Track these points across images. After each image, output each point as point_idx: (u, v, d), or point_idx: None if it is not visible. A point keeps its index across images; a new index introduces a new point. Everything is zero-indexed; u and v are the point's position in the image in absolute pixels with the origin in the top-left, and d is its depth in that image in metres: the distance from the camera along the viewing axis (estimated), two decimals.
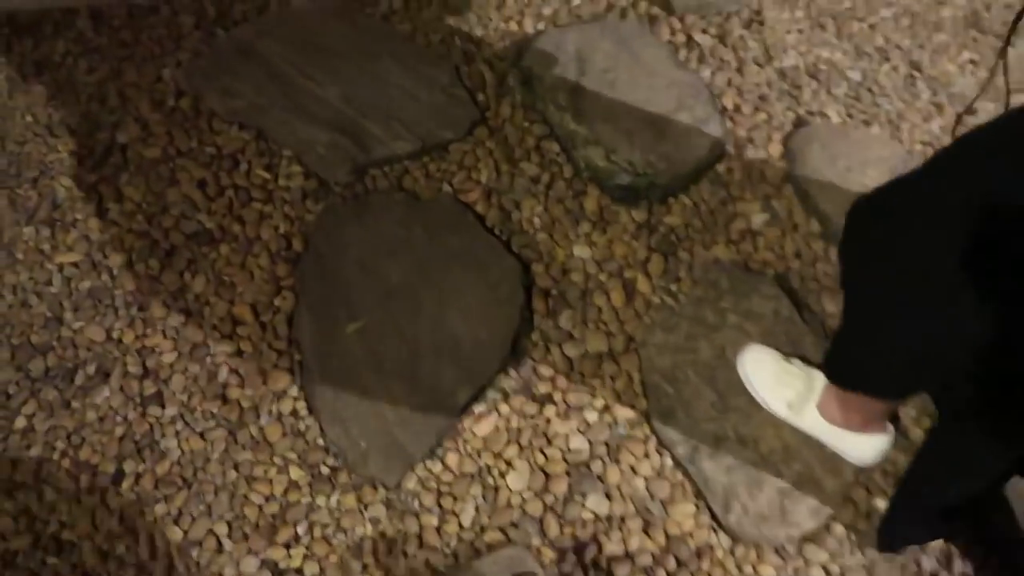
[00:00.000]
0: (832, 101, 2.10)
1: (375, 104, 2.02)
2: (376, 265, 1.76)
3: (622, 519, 1.48)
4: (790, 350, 1.63)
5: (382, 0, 2.30)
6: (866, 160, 1.92)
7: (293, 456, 1.56)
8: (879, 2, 2.31)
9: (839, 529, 1.48)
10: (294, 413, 1.60)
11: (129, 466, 1.55)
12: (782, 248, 1.83)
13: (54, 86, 2.14)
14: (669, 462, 1.56)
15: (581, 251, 1.82)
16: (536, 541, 1.46)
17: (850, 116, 2.07)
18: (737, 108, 2.05)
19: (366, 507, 1.50)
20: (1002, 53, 1.46)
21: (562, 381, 1.65)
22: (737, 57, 2.16)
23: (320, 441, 1.57)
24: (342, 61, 2.12)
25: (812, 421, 1.48)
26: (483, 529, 1.47)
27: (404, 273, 1.74)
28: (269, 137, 1.99)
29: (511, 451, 1.57)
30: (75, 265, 1.82)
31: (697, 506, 1.50)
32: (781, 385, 1.52)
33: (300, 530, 1.47)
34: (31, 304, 1.76)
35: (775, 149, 1.98)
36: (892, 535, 1.42)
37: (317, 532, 1.47)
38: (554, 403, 1.63)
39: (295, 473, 1.54)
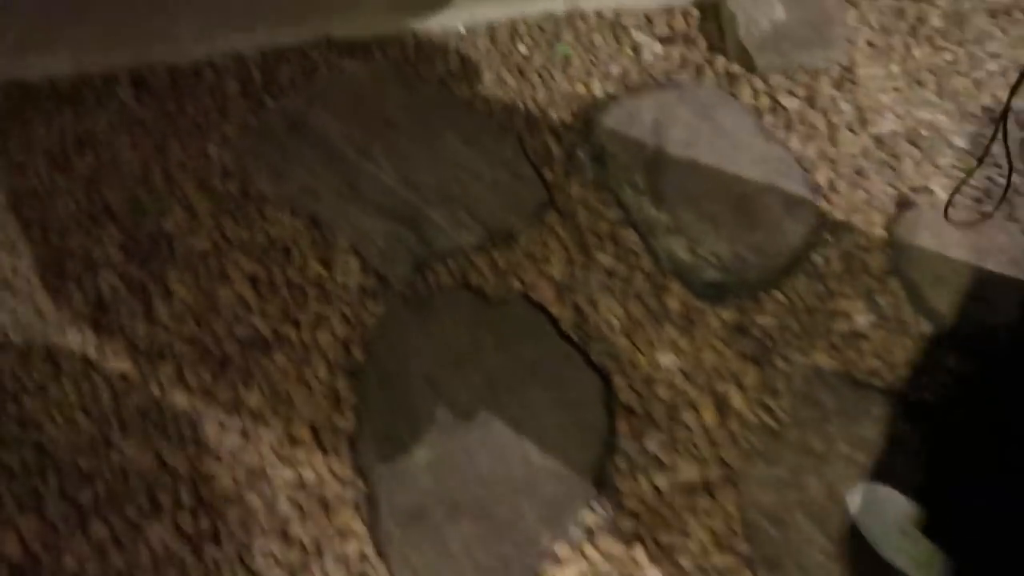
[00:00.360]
0: (937, 173, 1.89)
1: (436, 186, 1.87)
2: (443, 380, 1.61)
3: None
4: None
5: (438, 61, 2.14)
6: (983, 249, 1.72)
7: None
8: (984, 54, 2.09)
9: None
10: (362, 556, 1.48)
11: None
12: (890, 354, 1.65)
13: (97, 165, 2.03)
14: None
15: (666, 359, 1.66)
16: None
17: (958, 192, 1.86)
18: (832, 185, 1.86)
19: None
20: (1002, 116, 1.34)
21: (651, 516, 1.50)
22: (828, 122, 1.97)
23: None
24: (399, 134, 1.97)
25: None
26: None
27: (474, 390, 1.60)
28: (323, 225, 1.86)
29: None
30: (123, 376, 1.70)
31: None
32: (906, 537, 1.35)
33: None
34: (78, 422, 1.65)
35: (877, 234, 1.79)
36: None
37: None
38: (643, 543, 1.48)
39: None
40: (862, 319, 1.69)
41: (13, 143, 2.08)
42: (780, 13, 2.05)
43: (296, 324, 1.73)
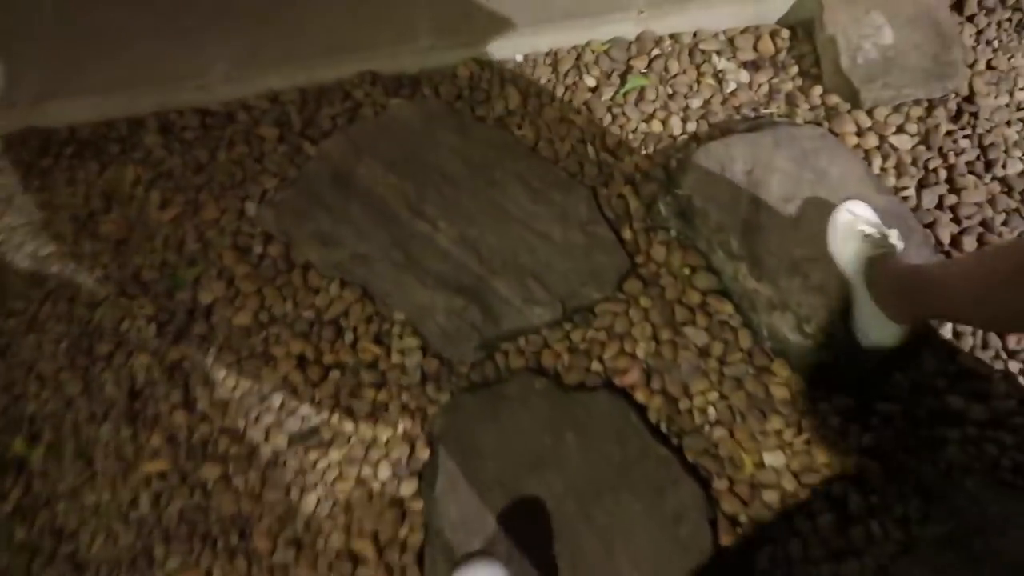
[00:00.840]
0: None
1: (500, 250, 1.66)
2: (521, 486, 1.42)
3: None
4: None
5: (495, 98, 1.91)
6: None
7: None
8: None
9: None
10: None
11: None
12: None
13: (125, 226, 1.85)
14: None
15: (773, 458, 1.45)
16: None
17: None
18: (956, 242, 1.62)
19: None
20: None
21: None
22: (946, 164, 1.72)
23: None
24: (456, 187, 1.75)
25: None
26: None
27: (557, 500, 1.41)
28: (377, 297, 1.66)
29: None
30: (163, 476, 1.54)
31: None
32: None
33: None
34: (116, 533, 1.49)
35: None
36: None
37: None
38: None
39: None
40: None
41: (34, 200, 1.91)
42: (888, 36, 1.79)
43: (351, 415, 1.55)
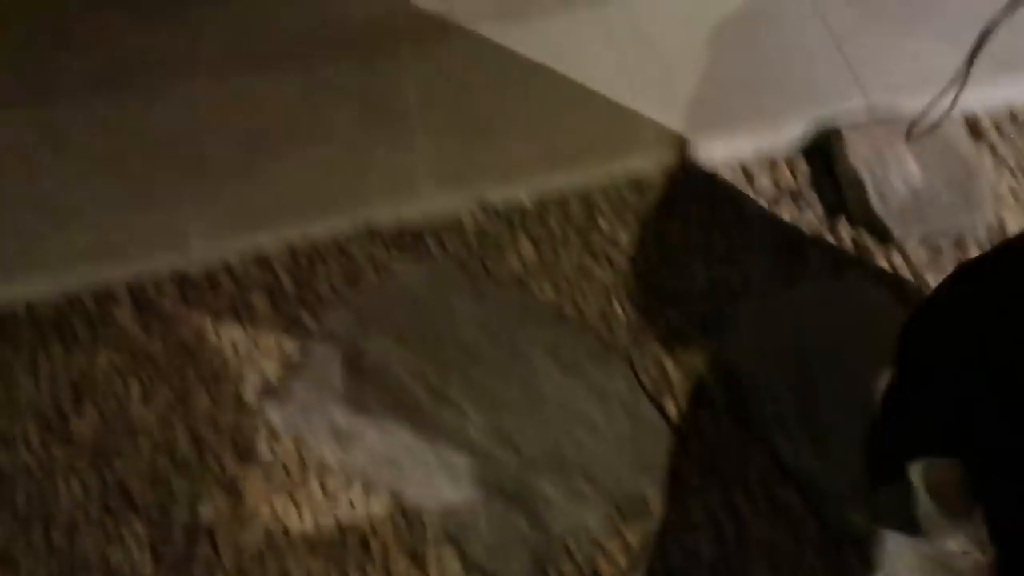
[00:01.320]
0: None
1: (537, 440, 1.52)
2: None
3: None
4: None
5: (508, 251, 1.77)
6: None
7: None
8: None
9: None
10: None
11: None
12: None
13: (102, 426, 1.63)
14: None
15: None
16: None
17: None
18: None
19: None
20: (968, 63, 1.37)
21: None
22: None
23: None
24: (479, 365, 1.61)
25: None
26: None
27: None
28: (406, 504, 1.49)
29: None
30: None
31: None
32: None
33: None
34: None
35: None
36: None
37: None
38: None
39: None
40: None
41: None
42: (915, 170, 1.72)
43: None
